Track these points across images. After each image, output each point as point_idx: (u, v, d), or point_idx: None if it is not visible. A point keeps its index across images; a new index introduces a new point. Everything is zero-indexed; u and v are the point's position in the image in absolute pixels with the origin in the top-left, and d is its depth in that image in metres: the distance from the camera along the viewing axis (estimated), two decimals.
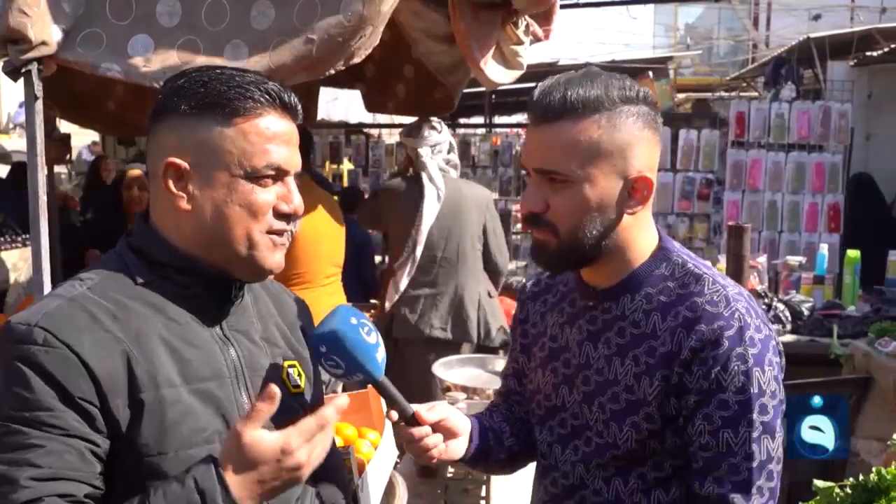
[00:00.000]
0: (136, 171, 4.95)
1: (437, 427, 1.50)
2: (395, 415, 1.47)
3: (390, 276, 3.92)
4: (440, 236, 3.85)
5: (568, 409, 1.47)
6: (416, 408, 1.48)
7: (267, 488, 1.13)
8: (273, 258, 1.29)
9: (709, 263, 1.47)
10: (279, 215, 1.28)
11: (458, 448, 1.54)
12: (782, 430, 1.37)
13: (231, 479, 1.10)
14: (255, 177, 1.25)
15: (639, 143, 1.34)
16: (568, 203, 1.34)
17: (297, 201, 1.30)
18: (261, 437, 1.11)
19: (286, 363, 1.39)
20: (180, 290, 1.28)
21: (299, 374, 1.41)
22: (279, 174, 1.27)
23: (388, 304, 3.89)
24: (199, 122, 1.24)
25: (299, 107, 1.31)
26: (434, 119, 3.89)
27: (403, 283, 3.84)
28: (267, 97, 1.25)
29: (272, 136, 1.25)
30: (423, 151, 3.80)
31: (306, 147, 3.57)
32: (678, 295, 1.38)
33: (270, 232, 1.28)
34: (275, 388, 1.13)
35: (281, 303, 1.47)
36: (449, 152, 3.89)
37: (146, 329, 1.22)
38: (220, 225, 1.25)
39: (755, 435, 1.32)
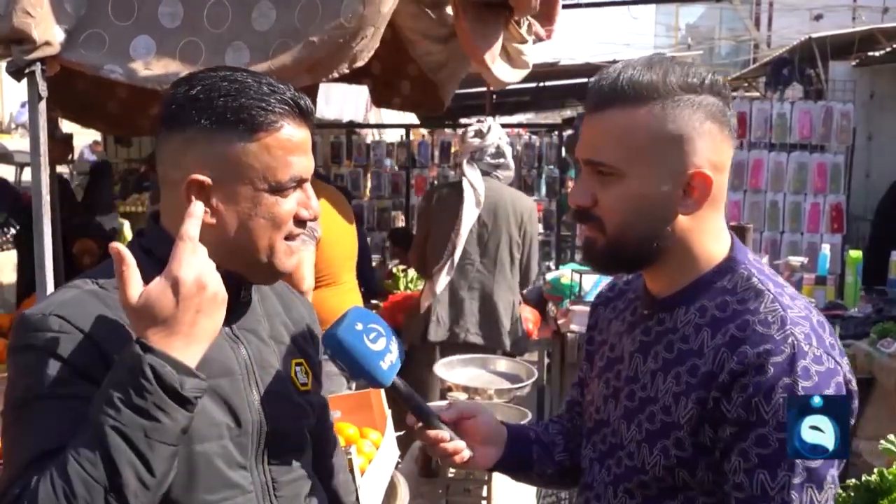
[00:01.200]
0: (88, 244, 4.75)
1: (460, 427, 1.44)
2: (411, 419, 1.42)
3: (428, 279, 4.02)
4: (479, 243, 3.96)
5: (610, 425, 1.36)
6: (434, 408, 1.44)
7: (194, 322, 1.11)
8: (290, 262, 1.31)
9: (782, 280, 1.30)
10: (298, 221, 1.29)
11: (488, 457, 1.48)
12: (835, 483, 1.18)
13: (151, 338, 1.09)
14: (279, 190, 1.25)
15: (698, 136, 1.21)
16: (615, 198, 1.23)
17: (315, 205, 1.31)
18: (147, 292, 1.09)
19: (293, 361, 1.40)
20: None
21: (306, 373, 1.42)
22: (299, 182, 1.29)
23: (423, 306, 3.98)
24: (220, 137, 1.23)
25: (313, 109, 1.31)
26: (485, 123, 4.04)
27: (440, 286, 3.93)
28: (285, 107, 1.25)
29: (293, 147, 1.26)
30: (464, 157, 3.95)
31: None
32: (734, 311, 1.23)
33: (289, 237, 1.29)
34: (118, 247, 1.11)
35: (287, 301, 1.48)
36: (497, 156, 3.96)
37: None
38: (245, 237, 1.26)
39: (797, 481, 1.13)
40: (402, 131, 8.01)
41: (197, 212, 1.17)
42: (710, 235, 1.28)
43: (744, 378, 1.16)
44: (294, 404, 1.37)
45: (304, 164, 1.28)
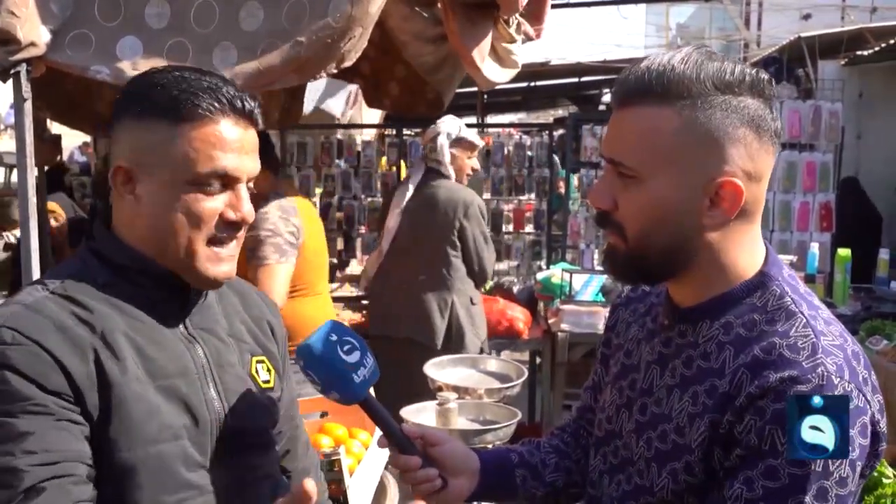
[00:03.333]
0: (50, 204, 4.93)
1: (427, 455, 1.35)
2: (382, 441, 1.35)
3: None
4: (410, 240, 3.97)
5: (623, 438, 1.28)
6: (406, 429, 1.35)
7: None
8: (218, 269, 1.28)
9: (817, 301, 1.21)
10: (226, 223, 1.27)
11: (460, 488, 1.37)
12: None
13: None
14: (199, 184, 1.24)
15: (730, 142, 1.11)
16: (635, 203, 1.14)
17: (245, 209, 1.28)
18: None
19: (254, 359, 1.40)
20: (141, 291, 1.28)
21: (268, 370, 1.42)
22: (228, 182, 1.26)
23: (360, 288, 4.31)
24: (146, 127, 1.24)
25: (256, 111, 1.29)
26: (433, 124, 4.03)
27: (372, 271, 4.11)
28: (217, 104, 1.24)
29: (218, 142, 1.24)
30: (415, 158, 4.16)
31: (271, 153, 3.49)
32: (761, 331, 1.14)
33: (212, 241, 1.26)
34: (309, 486, 1.07)
35: (247, 299, 1.47)
36: (434, 151, 4.00)
37: (110, 328, 1.22)
38: (164, 230, 1.25)
39: None
40: (380, 130, 8.02)
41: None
42: (742, 248, 1.19)
43: (761, 401, 1.08)
44: (254, 402, 1.36)
45: (231, 162, 1.25)
